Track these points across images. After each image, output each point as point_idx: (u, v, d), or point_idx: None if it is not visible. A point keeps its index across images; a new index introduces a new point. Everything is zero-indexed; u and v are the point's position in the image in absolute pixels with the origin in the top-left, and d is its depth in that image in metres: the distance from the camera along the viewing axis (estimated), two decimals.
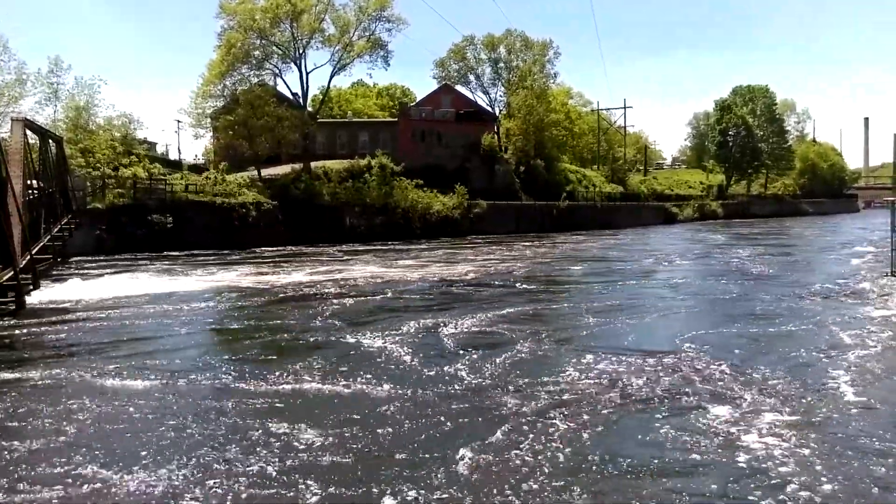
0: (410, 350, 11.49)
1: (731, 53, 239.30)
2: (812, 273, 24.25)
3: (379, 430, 7.38)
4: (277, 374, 9.96)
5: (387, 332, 13.00)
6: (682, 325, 13.99)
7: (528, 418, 7.68)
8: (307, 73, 51.19)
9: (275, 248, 37.06)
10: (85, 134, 41.46)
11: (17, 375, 10.21)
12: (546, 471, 6.21)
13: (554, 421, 7.63)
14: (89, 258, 30.07)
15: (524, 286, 21.08)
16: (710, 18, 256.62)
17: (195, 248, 34.89)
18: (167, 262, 28.99)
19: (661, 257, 32.02)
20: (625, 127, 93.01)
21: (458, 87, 67.91)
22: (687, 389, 8.94)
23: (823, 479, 6.10)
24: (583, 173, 74.91)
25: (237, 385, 9.53)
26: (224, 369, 10.44)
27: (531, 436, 7.10)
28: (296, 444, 7.01)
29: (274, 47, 49.38)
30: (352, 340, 12.46)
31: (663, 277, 23.45)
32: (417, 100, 73.69)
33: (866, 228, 58.27)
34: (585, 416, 7.83)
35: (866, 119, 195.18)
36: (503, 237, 48.47)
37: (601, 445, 6.92)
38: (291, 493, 5.86)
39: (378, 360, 10.85)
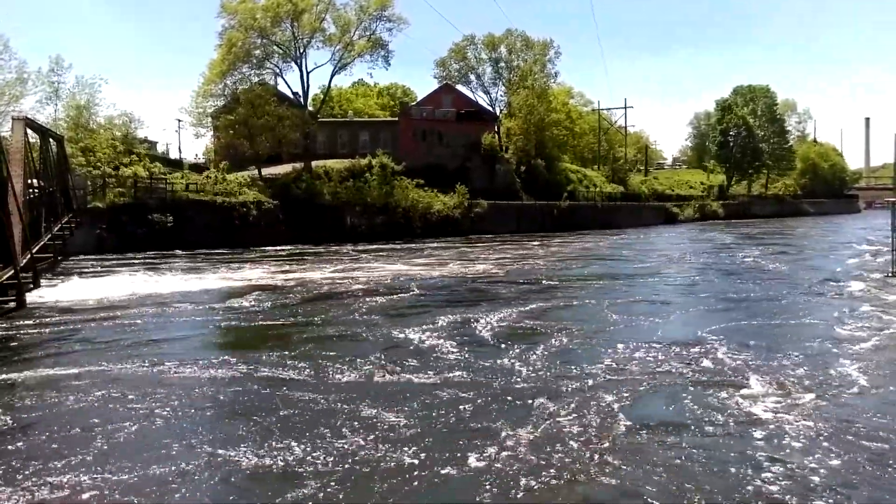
0: (452, 342, 12.03)
1: (731, 53, 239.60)
2: (818, 272, 24.42)
3: (442, 411, 8.09)
4: (335, 366, 10.32)
5: (425, 327, 13.50)
6: (702, 318, 14.72)
7: (569, 399, 8.52)
8: (308, 73, 51.32)
9: (282, 248, 37.22)
10: (86, 133, 41.52)
11: (18, 374, 10.20)
12: (588, 439, 7.10)
13: (592, 400, 8.47)
14: (90, 257, 30.09)
15: (546, 283, 21.70)
16: (710, 18, 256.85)
17: (196, 248, 34.90)
18: (181, 261, 29.13)
19: (672, 256, 32.43)
20: (625, 127, 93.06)
21: (459, 87, 67.89)
22: (709, 374, 9.79)
23: (830, 451, 6.75)
24: (583, 173, 74.89)
25: (296, 377, 9.86)
26: (279, 363, 10.68)
27: (573, 413, 7.95)
28: (379, 425, 7.66)
29: (275, 46, 49.39)
30: (395, 334, 12.93)
31: (680, 275, 23.99)
32: (418, 99, 73.67)
33: (868, 229, 58.32)
34: (620, 394, 8.72)
35: (867, 119, 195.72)
36: (504, 237, 48.44)
37: (633, 418, 7.78)
38: (396, 455, 6.70)
39: (423, 351, 11.40)
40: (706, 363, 10.41)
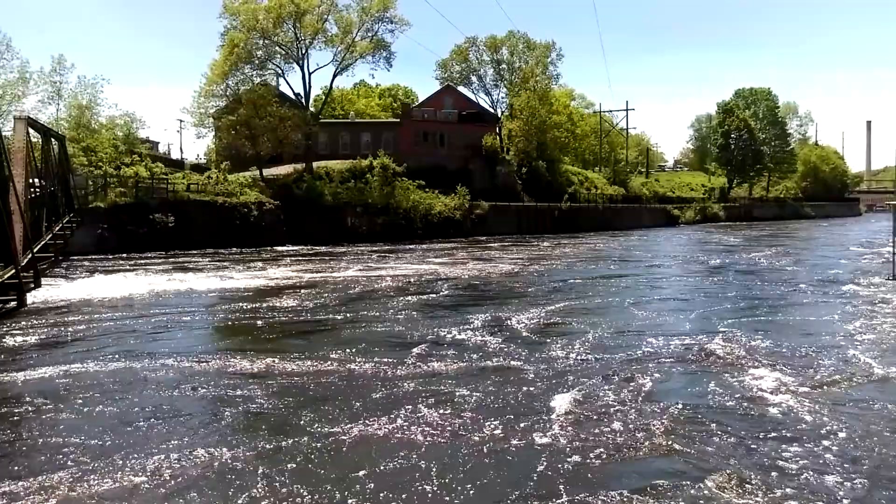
0: (494, 336, 12.78)
1: (733, 55, 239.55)
2: (822, 274, 24.72)
3: (499, 395, 9.01)
4: (393, 361, 10.85)
5: (463, 324, 14.10)
6: (718, 314, 15.54)
7: (608, 384, 9.47)
8: (310, 74, 51.32)
9: (293, 248, 37.69)
10: (87, 133, 41.54)
11: (19, 373, 10.21)
12: (629, 418, 8.01)
13: (629, 384, 9.42)
14: (92, 257, 30.10)
15: (570, 281, 22.53)
16: (712, 20, 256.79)
17: (196, 248, 34.94)
18: (198, 261, 29.24)
19: (683, 258, 33.18)
20: (627, 129, 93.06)
21: (461, 88, 68.02)
22: (728, 361, 10.80)
23: (842, 429, 7.59)
24: (585, 175, 74.89)
25: (362, 367, 10.52)
26: (343, 358, 11.12)
27: (613, 396, 8.91)
28: (450, 404, 8.57)
29: (277, 47, 49.40)
30: (437, 331, 13.45)
31: (693, 275, 24.69)
32: (420, 100, 73.73)
33: (869, 232, 58.47)
34: (654, 379, 9.71)
35: (868, 122, 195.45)
36: (506, 238, 48.42)
37: (666, 399, 8.75)
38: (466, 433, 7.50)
39: (469, 344, 12.15)
40: (725, 352, 11.40)
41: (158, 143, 68.33)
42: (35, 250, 19.91)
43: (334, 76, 54.10)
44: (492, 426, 7.64)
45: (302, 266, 27.67)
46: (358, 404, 8.58)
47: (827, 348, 11.75)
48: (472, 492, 5.94)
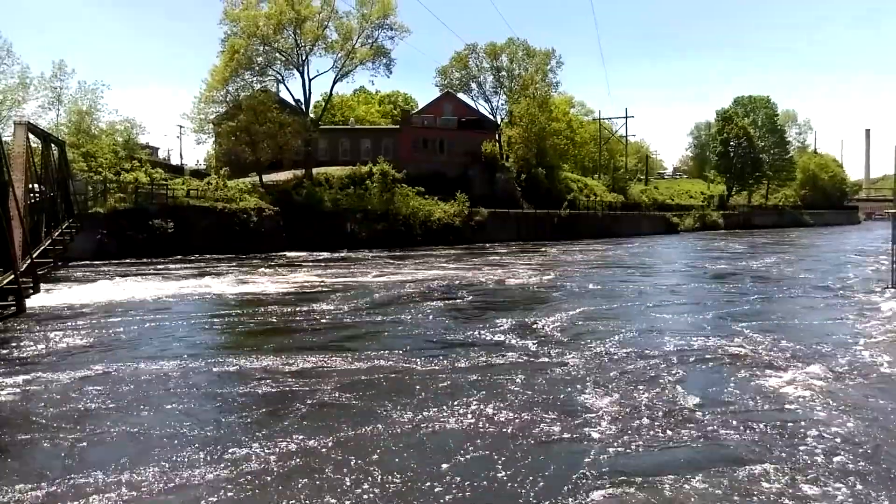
0: (527, 339, 13.37)
1: (732, 63, 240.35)
2: (825, 282, 25.02)
3: (543, 389, 9.69)
4: (440, 360, 11.52)
5: (496, 326, 14.70)
6: (732, 318, 16.26)
7: (637, 381, 10.19)
8: (310, 80, 51.37)
9: (305, 253, 37.93)
10: (87, 138, 41.52)
11: (17, 378, 10.17)
12: (657, 410, 8.71)
13: (656, 380, 10.23)
14: (91, 262, 30.04)
15: (590, 286, 23.15)
16: (711, 28, 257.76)
17: (196, 253, 34.90)
18: (194, 266, 29.21)
19: (691, 265, 33.84)
20: (626, 136, 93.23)
21: (460, 95, 68.17)
22: (748, 361, 11.53)
23: (846, 418, 8.39)
24: (584, 182, 74.98)
25: (412, 365, 11.24)
26: (386, 357, 11.75)
27: (643, 389, 9.72)
28: (498, 396, 9.33)
29: (277, 54, 49.49)
30: (471, 334, 13.99)
31: (704, 282, 25.33)
32: (419, 107, 73.86)
33: (868, 240, 58.59)
34: (678, 376, 10.50)
35: (867, 131, 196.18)
36: (508, 245, 48.42)
37: (690, 394, 9.49)
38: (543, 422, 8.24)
39: (506, 346, 12.67)
40: (743, 353, 12.20)
41: (158, 148, 68.38)
42: (34, 256, 19.88)
43: (334, 82, 54.24)
44: (542, 419, 8.29)
45: (320, 271, 28.21)
46: (420, 399, 9.18)
47: (835, 349, 12.41)
48: (539, 478, 6.51)
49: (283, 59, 50.00)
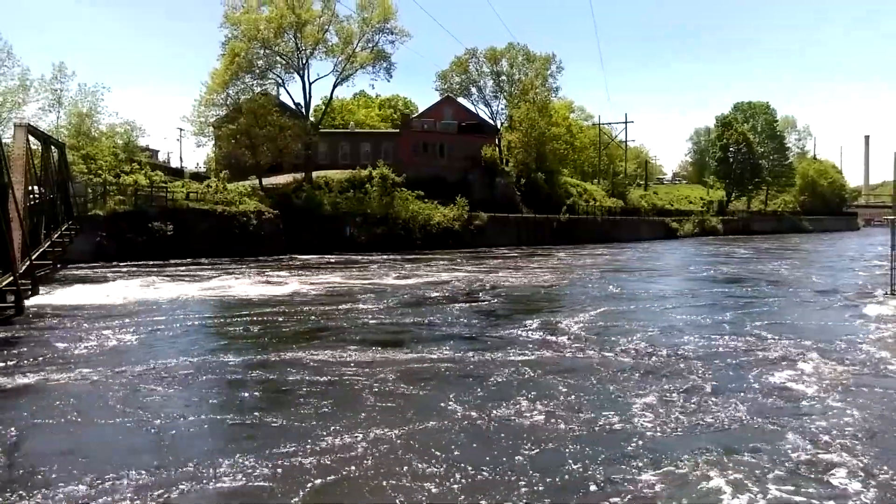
0: (560, 338, 14.00)
1: (732, 68, 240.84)
2: (833, 284, 26.20)
3: (585, 385, 10.34)
4: (483, 357, 12.11)
5: (526, 327, 15.21)
6: (746, 318, 16.94)
7: (666, 375, 10.92)
8: (310, 84, 51.49)
9: (310, 256, 38.24)
10: (87, 140, 41.56)
11: (15, 379, 10.16)
12: (687, 402, 9.40)
13: (681, 375, 10.91)
14: (90, 265, 30.02)
15: (605, 289, 23.96)
16: (711, 34, 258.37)
17: (195, 256, 34.88)
18: (202, 269, 29.47)
19: (703, 268, 34.50)
20: (626, 141, 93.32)
21: (460, 100, 68.23)
22: (762, 357, 12.30)
23: (852, 407, 9.12)
24: (583, 187, 75.02)
25: (464, 358, 12.04)
26: (428, 352, 12.50)
27: (672, 384, 10.39)
28: (548, 390, 9.93)
29: (277, 57, 49.57)
30: (506, 332, 14.66)
31: (714, 287, 25.53)
32: (419, 111, 73.93)
33: (868, 246, 58.77)
34: (701, 370, 11.26)
35: (867, 137, 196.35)
36: (507, 250, 48.39)
37: (712, 384, 10.33)
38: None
39: (543, 347, 13.12)
40: (757, 349, 13.02)
41: (158, 151, 68.33)
42: (33, 257, 19.86)
43: (334, 86, 54.40)
44: (589, 410, 8.91)
45: (340, 273, 28.90)
46: (474, 392, 9.75)
47: (840, 349, 13.07)
48: (595, 461, 7.11)
49: (284, 62, 50.11)
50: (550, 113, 66.23)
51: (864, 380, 10.70)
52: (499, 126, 67.15)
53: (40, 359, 11.74)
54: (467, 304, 19.52)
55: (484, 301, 20.35)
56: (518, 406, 9.04)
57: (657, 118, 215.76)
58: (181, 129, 70.74)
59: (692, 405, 9.20)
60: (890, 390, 10.11)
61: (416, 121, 64.86)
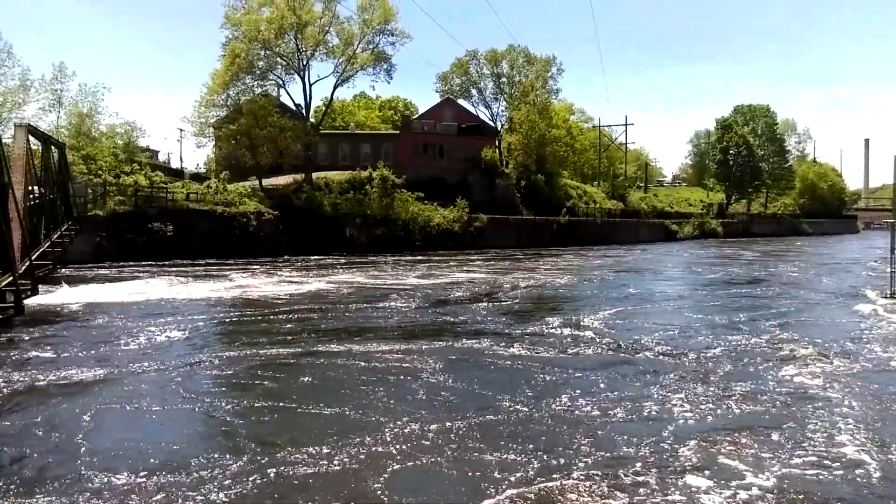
0: (586, 333, 14.79)
1: (732, 70, 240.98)
2: (838, 285, 26.81)
3: (617, 379, 10.92)
4: (514, 352, 12.74)
5: (549, 325, 15.84)
6: (763, 318, 17.55)
7: (694, 371, 11.40)
8: (310, 85, 51.53)
9: (319, 257, 38.63)
10: (87, 141, 41.57)
11: (15, 379, 10.16)
12: (706, 389, 10.27)
13: (702, 369, 11.58)
14: (90, 265, 30.03)
15: (618, 289, 24.60)
16: (712, 36, 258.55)
17: (195, 257, 34.87)
18: (211, 269, 29.75)
19: (711, 270, 34.93)
20: (626, 144, 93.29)
21: (461, 101, 68.20)
22: (775, 354, 12.91)
23: (859, 398, 9.79)
24: (583, 189, 75.05)
25: (510, 354, 12.69)
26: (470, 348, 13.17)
27: (694, 376, 11.11)
28: (584, 385, 10.46)
29: (278, 58, 49.60)
30: (533, 329, 15.31)
31: (722, 287, 26.15)
32: (420, 113, 73.94)
33: (868, 249, 58.94)
34: (721, 364, 11.99)
35: (867, 140, 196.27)
36: (507, 251, 48.38)
37: (730, 378, 11.00)
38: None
39: (571, 343, 13.71)
40: (769, 346, 13.61)
41: (158, 151, 68.35)
42: (33, 258, 19.85)
43: (335, 87, 54.43)
44: (627, 402, 9.46)
45: (358, 273, 29.70)
46: (518, 385, 10.26)
47: (846, 347, 13.66)
48: (643, 445, 7.73)
49: (284, 63, 50.13)
50: (551, 115, 66.24)
51: (873, 375, 11.25)
52: (499, 128, 67.17)
53: (40, 359, 11.73)
54: (492, 304, 20.09)
55: (507, 301, 20.92)
56: (562, 397, 9.63)
57: (657, 121, 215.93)
58: (181, 130, 70.72)
59: (719, 395, 9.86)
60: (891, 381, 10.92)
61: (417, 122, 64.90)
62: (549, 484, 6.56)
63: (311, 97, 52.21)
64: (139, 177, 39.47)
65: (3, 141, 20.71)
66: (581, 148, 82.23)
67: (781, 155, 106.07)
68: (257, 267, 31.50)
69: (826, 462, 7.26)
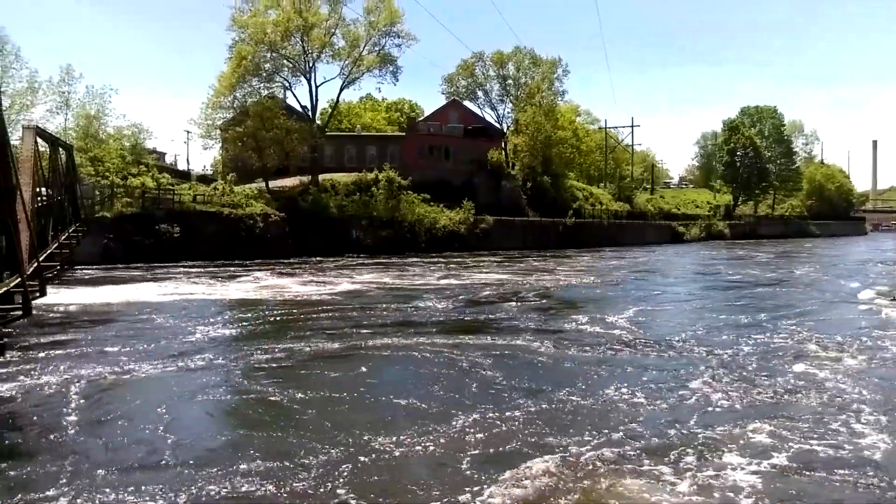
0: (615, 331, 15.25)
1: (739, 71, 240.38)
2: (853, 285, 27.37)
3: (649, 373, 11.43)
4: (551, 347, 13.37)
5: (578, 322, 16.53)
6: (780, 317, 17.83)
7: (719, 366, 11.87)
8: (317, 87, 51.62)
9: (331, 259, 38.89)
10: (95, 143, 41.76)
11: (24, 381, 10.19)
12: (740, 383, 10.77)
13: (729, 363, 12.09)
14: (97, 267, 30.12)
15: (638, 289, 25.25)
16: (719, 37, 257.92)
17: (202, 259, 34.95)
18: (224, 270, 30.00)
19: (726, 272, 35.19)
20: (632, 145, 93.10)
21: (467, 103, 68.21)
22: (795, 351, 13.29)
23: (870, 389, 10.29)
24: (590, 191, 74.94)
25: (547, 350, 13.27)
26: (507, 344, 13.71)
27: (724, 370, 11.63)
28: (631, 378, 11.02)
29: (284, 60, 49.72)
30: (565, 326, 16.11)
31: (748, 286, 26.76)
32: (425, 114, 73.96)
33: (878, 251, 58.97)
34: (748, 360, 12.44)
35: (874, 142, 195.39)
36: (511, 253, 48.33)
37: (757, 371, 11.61)
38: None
39: (603, 341, 14.15)
40: (789, 344, 14.08)
41: (165, 153, 68.66)
42: (41, 259, 19.89)
43: (341, 89, 54.48)
44: (666, 394, 10.00)
45: (383, 273, 30.40)
46: (566, 378, 10.87)
47: (865, 346, 13.88)
48: (683, 429, 8.42)
49: (291, 65, 50.24)
50: (556, 116, 66.22)
51: (887, 370, 11.81)
52: (505, 129, 67.14)
53: (49, 360, 11.82)
54: (522, 303, 20.68)
55: (535, 300, 21.50)
56: (608, 387, 10.26)
57: (662, 121, 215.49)
58: (188, 132, 70.82)
59: (748, 388, 10.40)
60: None
61: (422, 124, 64.93)
62: (615, 466, 7.18)
63: (317, 99, 52.40)
64: (146, 178, 39.62)
65: (12, 143, 20.80)
66: (587, 150, 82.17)
67: (789, 156, 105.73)
68: (273, 268, 31.78)
69: (846, 447, 7.80)
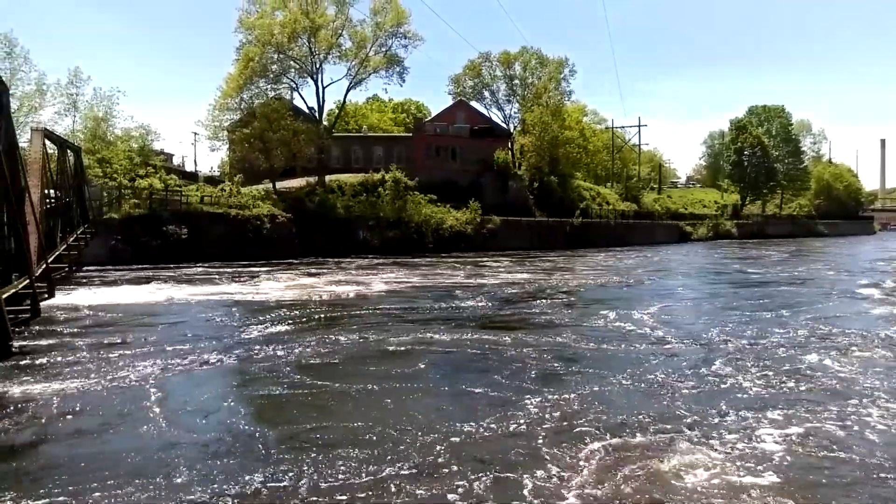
0: (643, 329, 15.61)
1: (747, 70, 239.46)
2: (866, 283, 27.51)
3: (677, 367, 11.80)
4: (589, 341, 13.98)
5: (606, 318, 17.06)
6: (798, 314, 18.20)
7: (743, 360, 12.34)
8: (323, 88, 51.68)
9: (352, 259, 39.10)
10: (103, 144, 41.89)
11: (32, 383, 10.18)
12: (764, 374, 11.31)
13: (749, 357, 12.59)
14: (105, 268, 30.20)
15: (657, 287, 25.83)
16: (726, 36, 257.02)
17: (209, 260, 34.99)
18: (238, 271, 29.68)
19: (739, 270, 35.35)
20: (639, 145, 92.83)
21: (473, 103, 68.03)
22: (815, 346, 13.73)
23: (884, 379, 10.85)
24: (597, 191, 74.73)
25: (580, 347, 13.67)
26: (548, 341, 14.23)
27: (749, 363, 12.10)
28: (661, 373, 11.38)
29: (291, 62, 49.80)
30: (596, 323, 16.49)
31: (763, 284, 27.09)
32: (432, 115, 73.91)
33: (887, 250, 58.66)
34: (769, 353, 13.08)
35: (882, 141, 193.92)
36: (518, 253, 48.24)
37: (779, 362, 12.21)
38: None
39: (636, 337, 14.54)
40: (807, 339, 14.47)
41: (173, 155, 68.81)
42: (49, 261, 19.97)
43: (348, 90, 54.54)
44: (700, 382, 10.66)
45: (412, 272, 30.77)
46: (603, 371, 11.29)
47: (877, 339, 14.44)
48: (716, 412, 9.13)
49: (298, 67, 50.31)
50: (563, 116, 65.99)
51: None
52: (511, 130, 67.01)
53: (58, 361, 11.75)
54: (551, 300, 21.07)
55: (562, 298, 21.86)
56: (652, 373, 11.10)
57: (669, 121, 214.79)
58: (196, 133, 71.20)
59: (771, 377, 11.01)
60: None
61: (429, 124, 64.90)
62: (666, 441, 7.94)
63: (324, 100, 52.46)
64: (154, 180, 39.72)
65: (20, 145, 20.88)
66: (594, 149, 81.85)
67: (796, 156, 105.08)
68: (289, 269, 31.93)
69: (867, 433, 8.35)
